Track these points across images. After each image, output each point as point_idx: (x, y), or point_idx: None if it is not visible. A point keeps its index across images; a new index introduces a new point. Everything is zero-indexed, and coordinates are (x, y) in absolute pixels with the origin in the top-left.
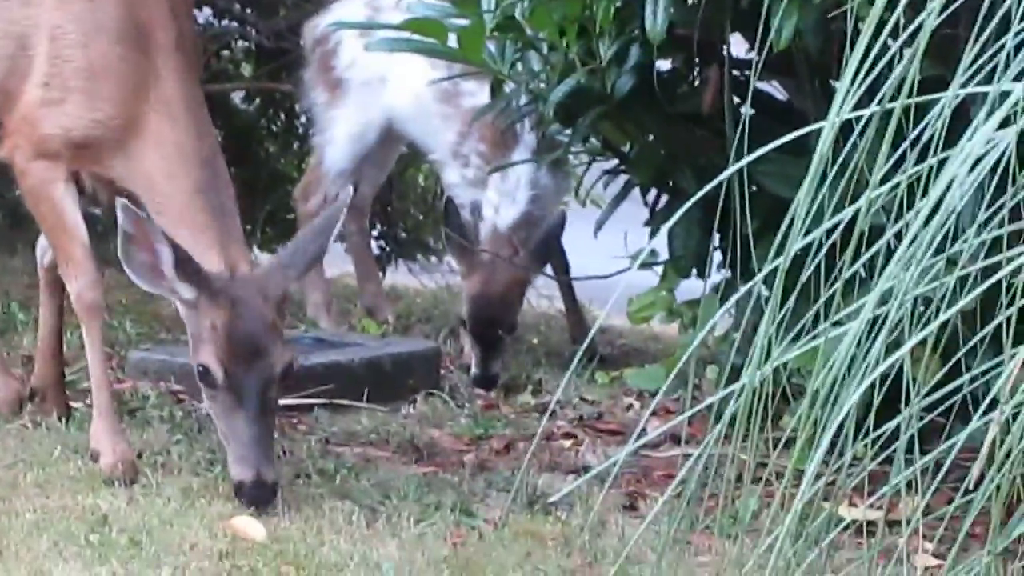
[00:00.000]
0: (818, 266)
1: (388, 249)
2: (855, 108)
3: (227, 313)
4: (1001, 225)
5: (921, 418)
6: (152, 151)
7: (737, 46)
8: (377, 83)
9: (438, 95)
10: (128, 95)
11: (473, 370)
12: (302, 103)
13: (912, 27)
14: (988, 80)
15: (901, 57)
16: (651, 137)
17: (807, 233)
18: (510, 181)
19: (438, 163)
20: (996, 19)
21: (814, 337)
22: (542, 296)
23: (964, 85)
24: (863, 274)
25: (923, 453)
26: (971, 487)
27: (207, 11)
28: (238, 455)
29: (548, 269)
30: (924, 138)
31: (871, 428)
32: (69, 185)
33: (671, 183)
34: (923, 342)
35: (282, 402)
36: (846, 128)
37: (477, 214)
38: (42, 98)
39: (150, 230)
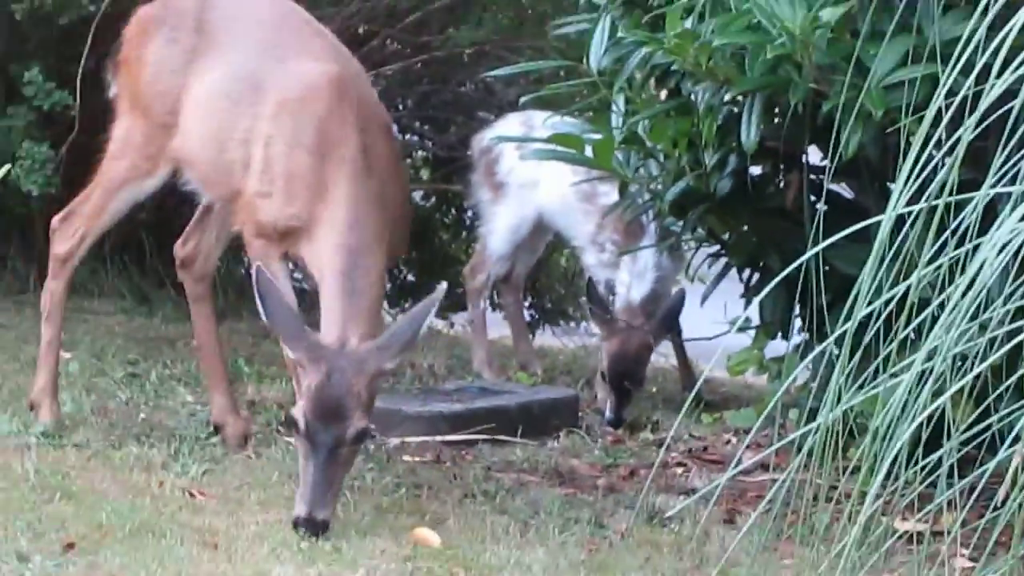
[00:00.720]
0: (877, 330)
1: (537, 316)
2: (907, 204)
3: (321, 378)
4: (1023, 297)
5: (959, 450)
6: (320, 239)
7: (814, 155)
8: (531, 186)
9: (579, 195)
10: (313, 194)
11: (608, 414)
12: (469, 200)
13: (952, 140)
14: (1012, 181)
15: (943, 164)
16: (745, 228)
17: (869, 304)
18: (639, 264)
19: (579, 249)
20: (1019, 133)
21: (875, 386)
22: (659, 354)
23: (994, 186)
24: (913, 336)
25: (961, 478)
26: (999, 505)
27: (394, 128)
28: (301, 494)
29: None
30: (962, 228)
31: (920, 458)
32: (282, 262)
33: (762, 264)
34: (961, 390)
35: (454, 438)
36: (900, 221)
37: (611, 290)
38: (257, 191)
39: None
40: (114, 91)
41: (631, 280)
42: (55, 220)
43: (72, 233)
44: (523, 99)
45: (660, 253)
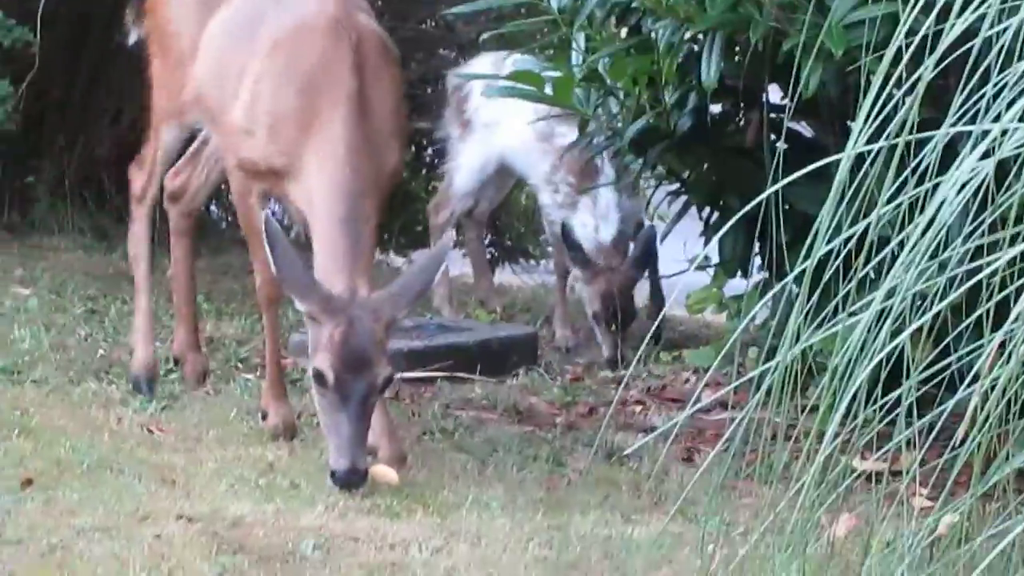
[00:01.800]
0: (837, 269)
1: (497, 254)
2: (867, 143)
3: (343, 328)
4: (982, 236)
5: (918, 389)
6: (314, 181)
7: (774, 93)
8: (494, 125)
9: (537, 135)
10: (301, 134)
11: (606, 353)
12: (439, 135)
13: (912, 79)
14: (972, 121)
15: (904, 102)
16: (705, 166)
17: (829, 242)
18: (601, 205)
19: (535, 188)
20: (979, 73)
21: (834, 325)
22: None
23: (953, 125)
24: (873, 275)
25: (920, 417)
26: (957, 444)
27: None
28: (337, 447)
29: None
30: (922, 167)
31: (879, 397)
32: (260, 199)
33: (721, 203)
34: (920, 329)
35: (412, 375)
36: (860, 159)
37: (571, 232)
38: (241, 126)
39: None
40: (134, 37)
41: (596, 222)
42: (131, 166)
43: (141, 172)
44: (483, 36)
45: (620, 193)
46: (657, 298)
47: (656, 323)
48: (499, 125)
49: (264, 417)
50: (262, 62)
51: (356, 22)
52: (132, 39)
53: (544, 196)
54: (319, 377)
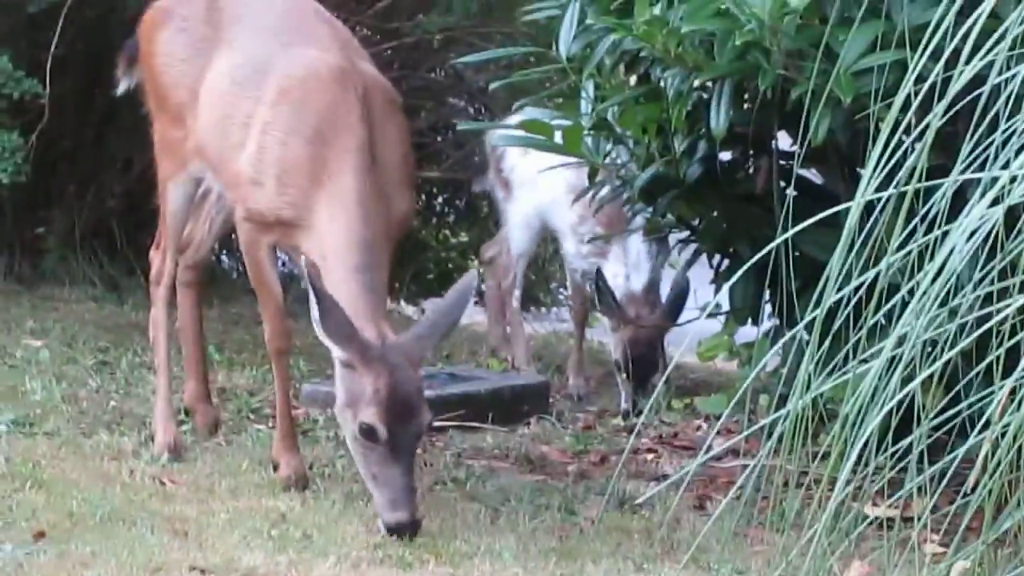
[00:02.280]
0: (847, 316)
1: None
2: (877, 190)
3: (388, 379)
4: (992, 283)
5: (930, 436)
6: (326, 232)
7: (783, 141)
8: (530, 183)
9: (567, 186)
10: (311, 185)
11: (623, 404)
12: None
13: (921, 126)
14: (981, 168)
15: (913, 149)
16: (715, 213)
17: (839, 290)
18: (632, 255)
19: (560, 236)
20: (988, 120)
21: (845, 372)
22: None
23: (962, 172)
24: (883, 322)
25: (931, 463)
26: (969, 491)
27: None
28: (392, 500)
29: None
30: (931, 214)
31: (890, 444)
32: (270, 249)
33: (731, 250)
34: (931, 376)
35: None
36: (870, 206)
37: (602, 280)
38: (249, 177)
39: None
40: (124, 87)
41: (627, 271)
42: (151, 250)
43: (158, 253)
44: (493, 85)
45: (650, 242)
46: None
47: (668, 369)
48: (534, 183)
49: (276, 468)
50: (269, 112)
51: (361, 71)
52: (121, 89)
53: (568, 245)
54: (368, 432)
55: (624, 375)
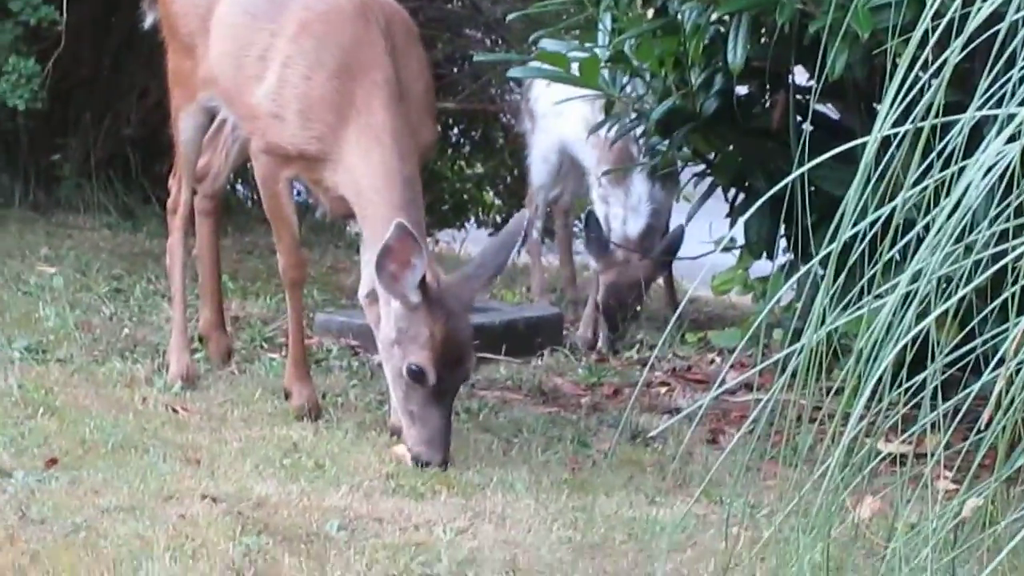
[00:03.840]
0: (863, 251)
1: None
2: (893, 126)
3: (444, 324)
4: (1008, 220)
5: (944, 372)
6: (360, 167)
7: (800, 75)
8: (555, 114)
9: (586, 125)
10: (337, 119)
11: (601, 345)
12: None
13: (938, 62)
14: (998, 104)
15: (930, 85)
16: (731, 147)
17: (855, 225)
18: (633, 198)
19: (589, 182)
20: (1005, 56)
21: (859, 307)
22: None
23: (979, 108)
24: (898, 258)
25: (945, 400)
26: (982, 428)
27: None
28: (428, 439)
29: None
30: (947, 150)
31: (904, 380)
32: (288, 181)
33: (747, 184)
34: (945, 312)
35: None
36: (886, 142)
37: (593, 220)
38: (269, 111)
39: (413, 247)
40: (150, 20)
41: (626, 213)
42: (171, 177)
43: (174, 181)
44: (509, 17)
45: (653, 184)
46: (669, 280)
47: (682, 303)
48: (559, 115)
49: (288, 397)
50: (289, 45)
51: (382, 3)
52: (148, 22)
53: (594, 192)
54: (418, 374)
55: (604, 316)
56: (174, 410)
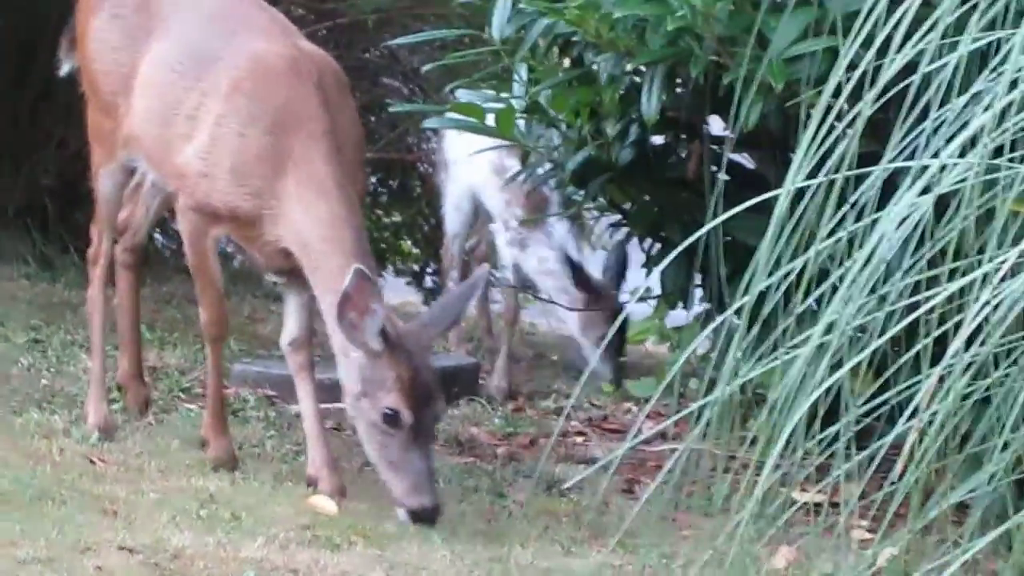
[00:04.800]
0: (777, 302)
1: (438, 283)
2: (808, 176)
3: (410, 366)
4: (921, 271)
5: (858, 422)
6: (304, 219)
7: (715, 125)
8: (462, 162)
9: (492, 168)
10: (274, 175)
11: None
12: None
13: (852, 113)
14: (912, 156)
15: (844, 136)
16: (647, 198)
17: (769, 275)
18: (556, 238)
19: (494, 226)
20: (918, 108)
21: (774, 358)
22: (561, 321)
23: (893, 160)
24: (813, 308)
25: (859, 450)
26: (897, 478)
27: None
28: (415, 485)
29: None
30: (861, 202)
31: (818, 430)
32: (215, 239)
33: (662, 234)
34: (859, 363)
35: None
36: (800, 193)
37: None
38: (199, 170)
39: (371, 293)
40: (67, 67)
41: (558, 253)
42: (92, 225)
43: (95, 232)
44: (426, 67)
45: (571, 225)
46: None
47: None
48: (468, 162)
49: (204, 447)
50: (221, 104)
51: (312, 56)
52: (65, 70)
53: (499, 238)
54: (393, 418)
55: (610, 348)
56: (91, 461)
